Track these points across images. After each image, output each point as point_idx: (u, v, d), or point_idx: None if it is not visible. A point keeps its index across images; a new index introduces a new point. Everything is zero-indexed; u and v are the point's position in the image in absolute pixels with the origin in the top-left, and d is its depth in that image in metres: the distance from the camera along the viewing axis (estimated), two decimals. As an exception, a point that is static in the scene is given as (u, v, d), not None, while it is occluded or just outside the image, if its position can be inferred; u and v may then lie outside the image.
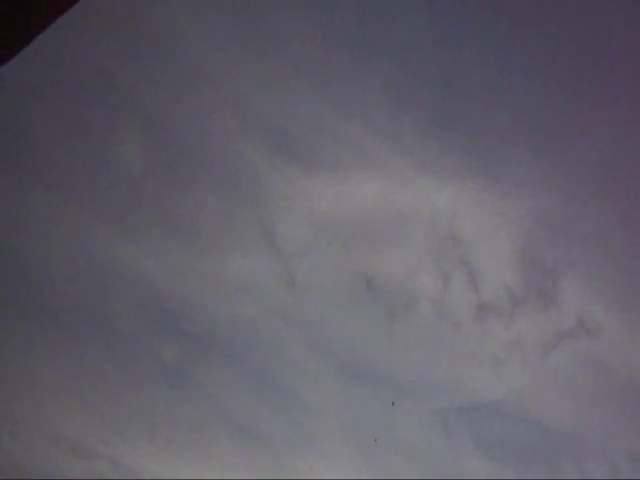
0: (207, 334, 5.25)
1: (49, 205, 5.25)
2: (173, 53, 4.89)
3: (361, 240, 5.55)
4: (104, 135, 5.03)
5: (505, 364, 6.32)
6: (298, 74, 5.17)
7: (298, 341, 5.45)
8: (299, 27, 5.11)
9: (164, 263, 5.18)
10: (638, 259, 7.22)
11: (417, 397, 5.85)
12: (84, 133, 4.98)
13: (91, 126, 5.00)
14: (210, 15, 4.99)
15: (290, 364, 5.46)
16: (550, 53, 6.25)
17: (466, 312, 6.25)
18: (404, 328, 5.87)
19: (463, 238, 6.35)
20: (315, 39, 5.13)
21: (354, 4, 5.13)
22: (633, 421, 6.86)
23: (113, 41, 4.85)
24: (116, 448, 5.39)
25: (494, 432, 6.10)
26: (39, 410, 5.32)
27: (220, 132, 5.17)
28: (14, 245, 5.31)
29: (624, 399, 6.74)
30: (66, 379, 5.37)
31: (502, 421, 6.14)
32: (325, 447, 5.70)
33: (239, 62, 5.12)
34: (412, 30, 5.41)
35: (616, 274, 7.33)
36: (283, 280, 5.27)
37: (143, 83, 5.32)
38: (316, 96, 5.25)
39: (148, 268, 5.20)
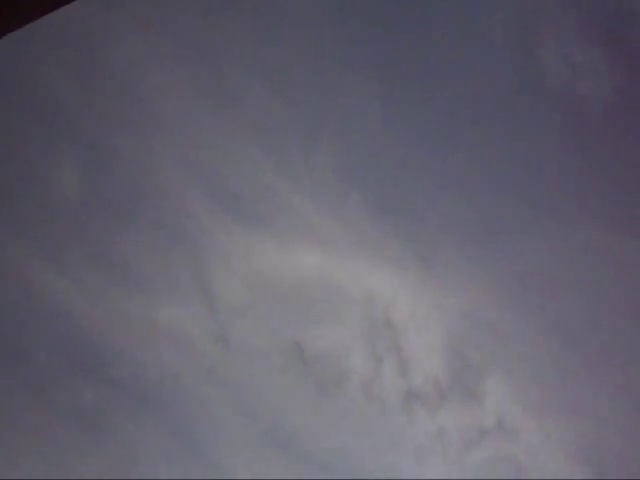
0: (129, 381, 5.07)
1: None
2: (127, 90, 5.10)
3: (297, 309, 5.66)
4: (42, 160, 5.07)
5: (427, 454, 6.32)
6: (253, 136, 5.50)
7: (223, 402, 5.32)
8: (259, 90, 5.49)
9: (92, 300, 5.08)
10: (555, 367, 7.59)
11: (338, 475, 5.73)
12: (21, 155, 5.01)
13: (29, 149, 5.04)
14: (173, 62, 5.29)
15: (212, 424, 5.29)
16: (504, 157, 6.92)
17: (394, 397, 6.31)
18: (332, 404, 5.86)
19: (397, 324, 6.55)
20: (274, 105, 5.51)
21: (316, 75, 5.60)
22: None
23: (67, 66, 5.01)
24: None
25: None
26: None
27: (165, 177, 5.33)
28: None
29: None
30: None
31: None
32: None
33: (195, 113, 5.40)
34: (368, 112, 5.92)
35: (535, 380, 7.62)
36: (214, 337, 5.25)
37: (92, 114, 5.47)
38: (268, 160, 5.55)
39: (74, 303, 5.08)
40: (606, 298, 7.67)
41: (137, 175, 5.23)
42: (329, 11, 5.82)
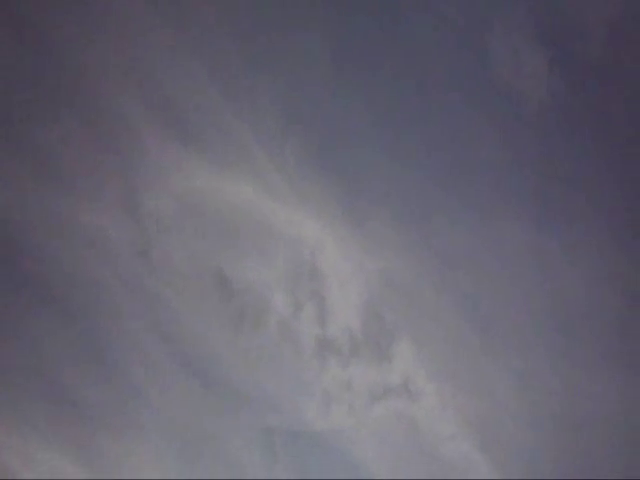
0: (41, 277, 4.81)
1: None
2: None
3: (225, 238, 5.61)
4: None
5: (334, 402, 6.44)
6: (201, 57, 5.39)
7: (138, 317, 5.18)
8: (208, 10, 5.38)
9: (10, 192, 4.79)
10: (462, 343, 7.96)
11: (250, 409, 5.73)
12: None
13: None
14: None
15: (126, 337, 5.13)
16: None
17: (309, 343, 6.39)
18: (249, 339, 5.85)
19: (320, 274, 6.65)
20: (222, 27, 5.43)
21: (269, 8, 5.57)
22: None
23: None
24: None
25: (314, 461, 6.09)
26: None
27: (106, 79, 5.13)
28: None
29: (426, 464, 7.08)
30: None
31: (324, 453, 6.18)
32: (147, 436, 5.25)
33: (144, 20, 5.23)
34: (311, 49, 5.95)
35: (442, 350, 7.95)
36: (137, 249, 5.09)
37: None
38: (213, 84, 5.48)
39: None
40: (520, 290, 8.12)
41: (72, 68, 4.99)
42: None
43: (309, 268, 6.39)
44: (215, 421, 5.48)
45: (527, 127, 7.88)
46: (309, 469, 6.25)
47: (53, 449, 5.07)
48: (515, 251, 8.16)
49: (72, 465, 5.09)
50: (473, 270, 7.85)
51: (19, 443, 5.00)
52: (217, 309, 5.64)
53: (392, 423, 6.98)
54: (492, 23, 7.25)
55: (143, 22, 5.28)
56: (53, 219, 4.99)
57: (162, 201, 5.25)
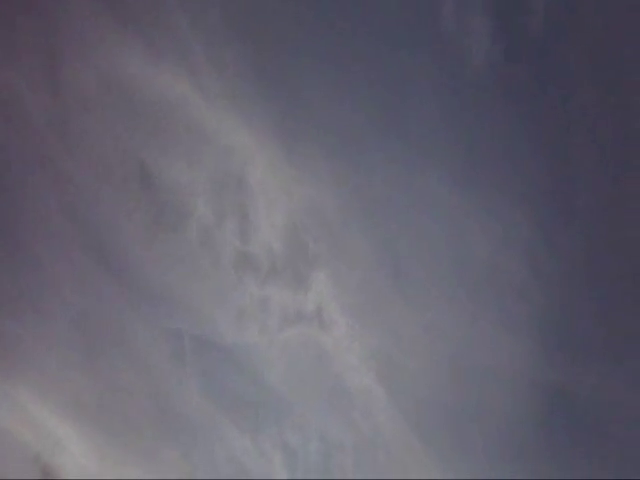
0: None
1: None
2: None
3: (152, 130, 5.32)
4: None
5: (247, 319, 6.37)
6: None
7: (51, 197, 4.80)
8: None
9: None
10: (376, 280, 8.12)
11: (161, 309, 5.53)
12: None
13: None
14: None
15: (34, 217, 4.72)
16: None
17: (229, 256, 6.25)
18: (169, 240, 5.63)
19: (248, 188, 6.50)
20: None
21: None
22: (338, 414, 7.46)
23: None
24: None
25: (222, 372, 6.02)
26: None
27: None
28: None
29: (330, 390, 7.22)
30: None
31: (233, 366, 6.11)
32: (51, 323, 4.92)
33: None
34: None
35: (349, 283, 8.07)
36: (53, 124, 4.67)
37: None
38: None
39: None
40: (434, 245, 8.35)
41: None
42: None
43: (237, 180, 6.23)
44: (124, 316, 5.25)
45: (465, 88, 8.04)
46: (216, 378, 6.18)
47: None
48: (434, 206, 8.38)
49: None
50: (394, 216, 8.00)
51: None
52: (136, 203, 5.36)
53: (302, 348, 7.04)
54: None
55: None
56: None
57: (85, 75, 4.85)
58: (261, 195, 6.61)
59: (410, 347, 8.89)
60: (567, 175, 8.24)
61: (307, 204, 7.26)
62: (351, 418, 8.15)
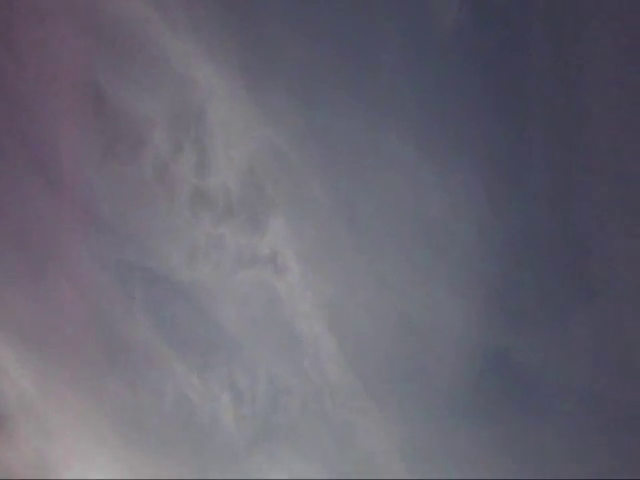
0: None
1: None
2: None
3: (108, 49, 5.10)
4: None
5: (201, 257, 6.31)
6: None
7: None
8: None
9: None
10: (337, 230, 8.13)
11: (109, 239, 5.42)
12: None
13: None
14: None
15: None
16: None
17: (184, 190, 6.13)
18: (122, 168, 5.48)
19: (207, 122, 6.34)
20: None
21: None
22: (287, 359, 7.57)
23: None
24: None
25: (173, 308, 5.99)
26: None
27: None
28: None
29: (281, 335, 7.28)
30: None
31: (184, 303, 6.08)
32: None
33: None
34: None
35: (313, 233, 8.06)
36: (3, 41, 4.40)
37: None
38: None
39: None
40: (393, 200, 8.38)
41: None
42: None
43: (196, 115, 6.06)
44: (70, 240, 5.11)
45: (431, 51, 7.99)
46: (166, 313, 6.14)
47: None
48: (393, 163, 8.41)
49: None
50: (353, 169, 7.99)
51: None
52: (88, 126, 5.16)
53: (255, 291, 7.04)
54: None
55: None
56: None
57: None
58: (221, 132, 6.46)
59: (362, 299, 9.03)
60: (523, 147, 8.40)
61: (268, 146, 7.15)
62: (300, 364, 8.27)
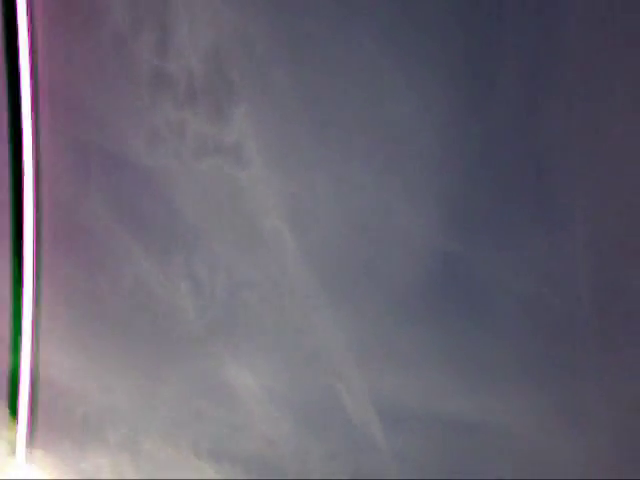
0: None
1: None
2: None
3: None
4: None
5: (162, 141, 6.15)
6: None
7: None
8: None
9: None
10: (303, 129, 8.01)
11: (63, 115, 5.20)
12: None
13: None
14: None
15: None
16: None
17: (144, 70, 5.87)
18: (77, 41, 5.18)
19: (173, 1, 5.99)
20: None
21: None
22: (247, 253, 7.69)
23: None
24: None
25: (130, 193, 5.89)
26: None
27: None
28: None
29: (241, 228, 7.32)
30: None
31: (142, 189, 5.97)
32: None
33: None
34: None
35: (279, 130, 7.93)
36: None
37: None
38: None
39: None
40: (360, 100, 8.22)
41: None
42: None
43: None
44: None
45: None
46: (124, 196, 6.04)
47: None
48: (361, 62, 8.16)
49: None
50: (321, 63, 7.73)
51: None
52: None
53: (217, 181, 6.96)
54: None
55: None
56: None
57: None
58: (185, 10, 6.12)
59: (323, 197, 9.05)
60: (492, 63, 8.27)
61: (236, 31, 6.84)
62: (259, 257, 8.36)
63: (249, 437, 9.28)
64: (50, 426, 6.31)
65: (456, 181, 9.28)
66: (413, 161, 9.39)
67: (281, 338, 9.41)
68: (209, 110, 6.67)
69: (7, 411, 5.91)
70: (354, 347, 10.11)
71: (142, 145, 6.16)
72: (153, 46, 5.89)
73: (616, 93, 7.46)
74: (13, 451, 6.21)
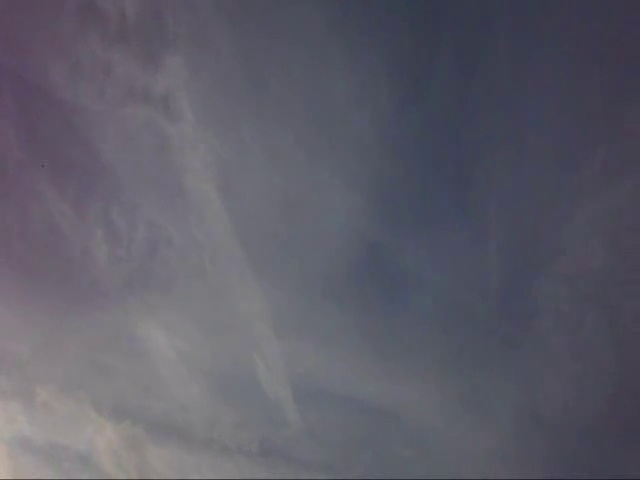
0: None
1: None
2: None
3: None
4: None
5: (87, 79, 5.90)
6: None
7: None
8: None
9: None
10: (239, 87, 7.87)
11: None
12: None
13: None
14: None
15: None
16: None
17: (74, 2, 5.60)
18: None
19: None
20: None
21: None
22: (170, 210, 7.48)
23: None
24: None
25: (48, 130, 5.62)
26: None
27: None
28: None
29: (171, 192, 7.15)
30: None
31: (62, 128, 5.71)
32: None
33: None
34: None
35: (213, 87, 7.78)
36: None
37: None
38: None
39: None
40: (300, 73, 8.13)
41: None
42: None
43: None
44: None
45: None
46: (41, 133, 5.75)
47: None
48: (304, 35, 8.17)
49: None
50: (263, 29, 7.66)
51: None
52: None
53: (145, 131, 6.72)
54: None
55: None
56: None
57: None
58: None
59: (252, 165, 8.93)
60: (433, 57, 8.43)
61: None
62: (183, 217, 8.18)
63: (157, 398, 8.91)
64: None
65: (387, 168, 9.26)
66: (348, 143, 9.30)
67: (199, 301, 9.13)
68: (140, 54, 6.46)
69: None
70: (274, 319, 9.88)
71: (64, 80, 5.88)
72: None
73: (539, 109, 7.73)
74: None
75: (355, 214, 9.83)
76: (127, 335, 7.08)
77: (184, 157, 7.46)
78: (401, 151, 9.20)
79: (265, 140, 8.87)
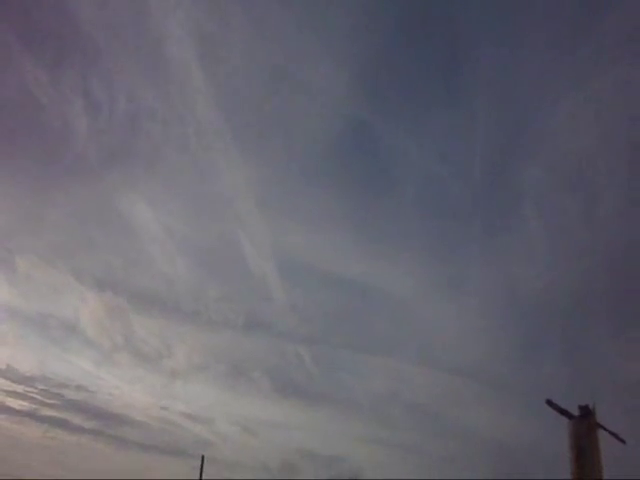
0: None
1: None
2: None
3: None
4: None
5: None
6: None
7: None
8: None
9: None
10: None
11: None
12: None
13: None
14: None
15: None
16: None
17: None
18: None
19: None
20: None
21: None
22: (151, 82, 7.19)
23: None
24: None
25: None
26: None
27: None
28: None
29: (148, 61, 6.72)
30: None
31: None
32: None
33: None
34: None
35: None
36: None
37: None
38: None
39: None
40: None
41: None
42: None
43: None
44: None
45: None
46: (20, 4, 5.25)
47: None
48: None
49: None
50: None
51: None
52: None
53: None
54: None
55: None
56: None
57: None
58: None
59: (240, 36, 8.36)
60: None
61: None
62: (165, 90, 7.83)
63: (142, 271, 9.48)
64: None
65: (376, 44, 9.36)
66: (339, 19, 9.27)
67: (184, 177, 9.35)
68: None
69: None
70: (259, 199, 10.52)
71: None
72: None
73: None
74: None
75: (344, 92, 9.73)
76: (110, 208, 7.04)
77: (166, 26, 7.03)
78: (392, 26, 9.06)
79: (251, 9, 8.49)
